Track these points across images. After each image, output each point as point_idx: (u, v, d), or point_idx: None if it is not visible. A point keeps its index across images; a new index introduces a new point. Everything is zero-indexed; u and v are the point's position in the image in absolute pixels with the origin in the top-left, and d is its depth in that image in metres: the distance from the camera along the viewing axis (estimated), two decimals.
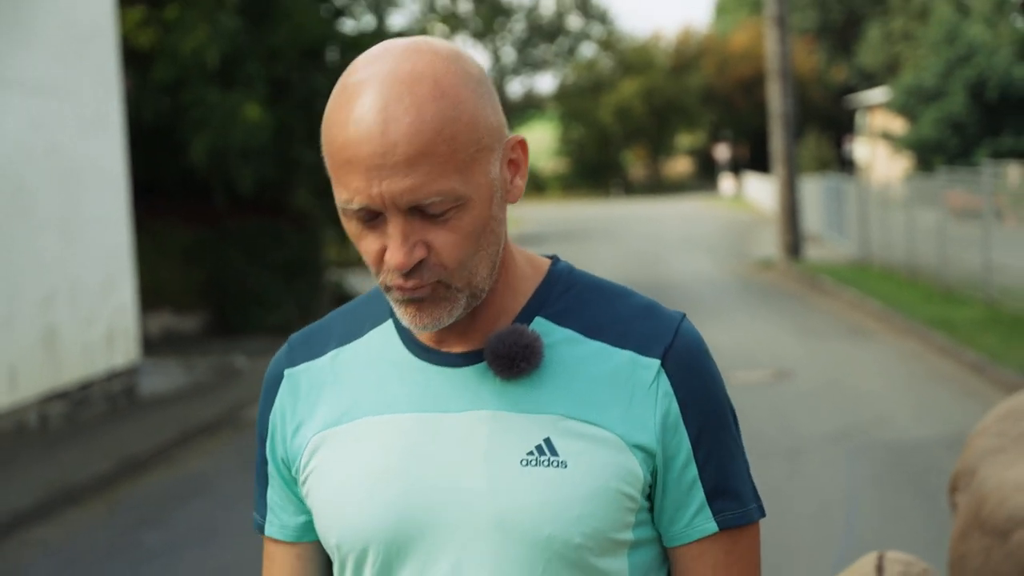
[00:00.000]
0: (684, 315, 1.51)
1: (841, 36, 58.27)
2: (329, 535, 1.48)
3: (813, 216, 26.87)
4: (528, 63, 57.83)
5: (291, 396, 1.54)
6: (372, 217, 1.36)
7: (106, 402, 9.95)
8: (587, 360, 1.46)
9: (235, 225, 14.79)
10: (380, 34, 16.37)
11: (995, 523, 2.57)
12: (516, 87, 58.23)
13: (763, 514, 1.51)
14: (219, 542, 6.24)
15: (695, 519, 1.46)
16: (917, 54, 39.71)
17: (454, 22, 50.71)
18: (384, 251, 1.37)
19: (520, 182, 1.44)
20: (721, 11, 69.19)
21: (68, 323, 9.40)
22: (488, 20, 54.25)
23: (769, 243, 24.22)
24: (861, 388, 9.49)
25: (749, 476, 1.51)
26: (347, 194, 1.35)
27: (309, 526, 1.56)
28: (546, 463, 1.42)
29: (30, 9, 8.99)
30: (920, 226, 17.00)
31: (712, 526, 1.46)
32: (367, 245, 1.39)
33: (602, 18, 58.66)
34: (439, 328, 1.42)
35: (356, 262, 22.13)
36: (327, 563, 1.58)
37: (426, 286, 1.37)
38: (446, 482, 1.43)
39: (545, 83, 59.25)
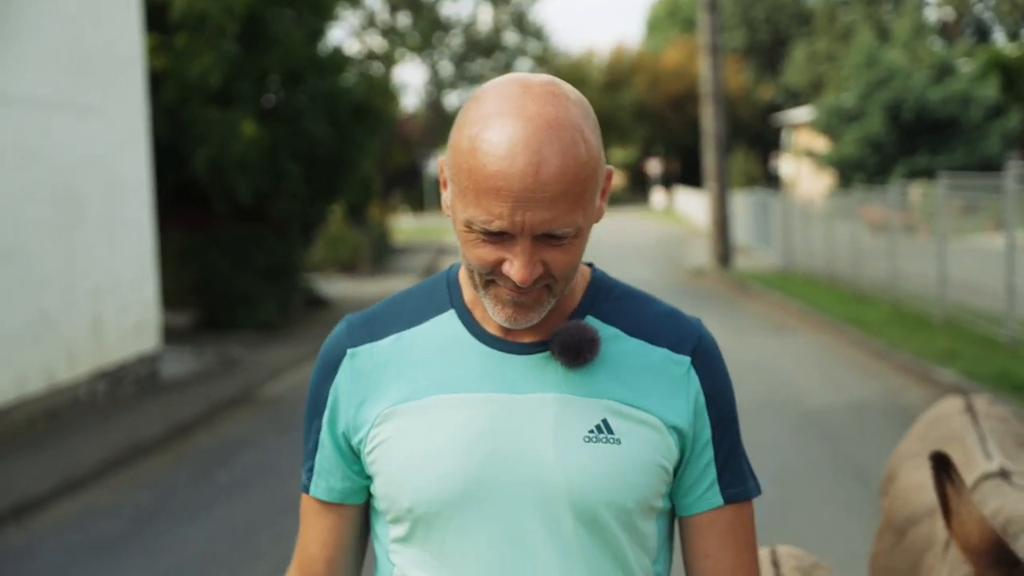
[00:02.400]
0: (700, 320, 1.78)
1: (768, 56, 60.26)
2: (401, 498, 1.68)
3: (742, 228, 28.71)
4: (465, 77, 58.55)
5: (353, 373, 1.73)
6: (498, 236, 1.56)
7: (136, 383, 11.45)
8: (630, 355, 1.69)
9: (222, 231, 16.25)
10: (343, 57, 17.89)
11: (898, 522, 3.00)
12: (453, 100, 59.12)
13: (759, 491, 1.77)
14: (278, 479, 7.83)
15: (707, 493, 1.72)
16: (840, 74, 41.43)
17: (393, 36, 51.58)
18: (499, 262, 1.58)
19: (604, 205, 1.66)
20: (652, 28, 70.92)
21: (110, 312, 10.92)
22: (426, 35, 54.86)
23: (701, 253, 25.97)
24: (784, 370, 11.30)
25: (747, 460, 1.78)
26: (486, 216, 1.54)
27: (352, 491, 1.77)
28: (605, 440, 1.64)
29: (85, 43, 10.51)
30: (837, 238, 18.95)
31: (719, 500, 1.72)
32: (483, 254, 1.58)
33: (537, 35, 59.38)
34: (529, 326, 1.66)
35: (319, 267, 23.66)
36: (363, 525, 1.82)
37: (535, 291, 1.60)
38: (519, 453, 1.63)
39: None
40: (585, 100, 1.61)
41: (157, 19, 13.90)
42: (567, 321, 1.68)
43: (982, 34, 51.83)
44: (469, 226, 1.56)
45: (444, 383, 1.67)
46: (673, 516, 1.76)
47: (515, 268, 1.55)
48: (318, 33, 17.76)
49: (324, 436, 1.75)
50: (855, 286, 17.26)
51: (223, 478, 8.06)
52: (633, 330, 1.71)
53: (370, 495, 1.78)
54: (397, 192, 49.38)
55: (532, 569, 1.64)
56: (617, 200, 63.08)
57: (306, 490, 1.79)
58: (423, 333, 1.72)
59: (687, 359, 1.70)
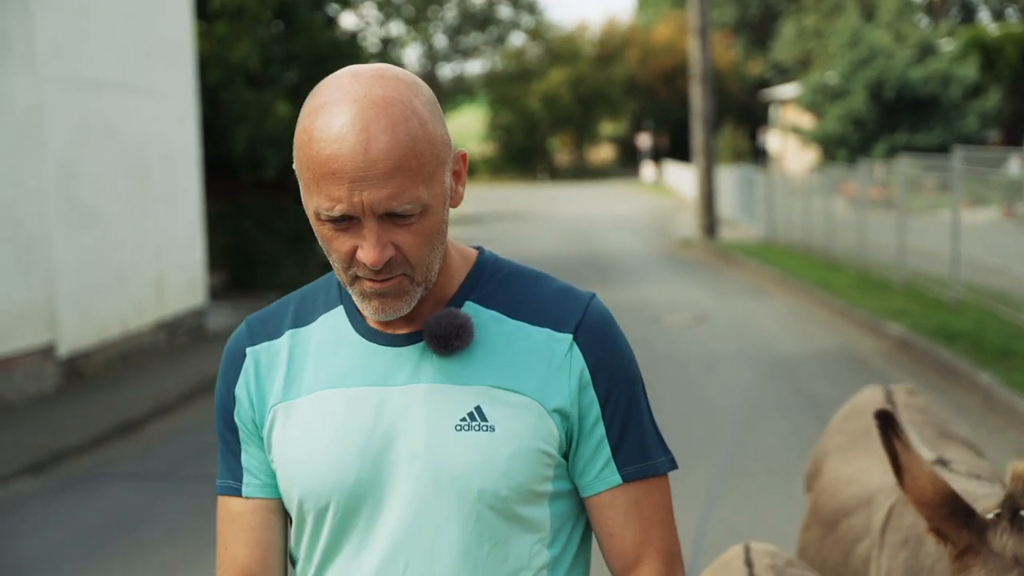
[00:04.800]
0: (594, 295, 1.77)
1: (758, 32, 61.40)
2: (293, 493, 1.73)
3: (727, 202, 30.11)
4: (459, 50, 59.36)
5: (254, 371, 1.78)
6: (346, 222, 1.59)
7: (188, 333, 12.99)
8: (510, 337, 1.71)
9: (249, 200, 17.76)
10: (359, 42, 19.42)
11: (827, 514, 3.02)
12: (447, 72, 59.98)
13: (672, 466, 1.75)
14: None
15: (602, 472, 1.72)
16: (827, 51, 42.68)
17: (388, 9, 52.45)
18: (354, 251, 1.60)
19: (461, 190, 1.70)
20: (643, 3, 72.08)
21: (169, 271, 12.46)
22: (421, 7, 55.49)
23: (688, 225, 27.43)
24: (758, 326, 12.88)
25: (657, 433, 1.76)
26: (328, 203, 1.56)
27: (277, 485, 1.79)
28: (477, 428, 1.66)
29: (148, 31, 11.99)
30: (814, 211, 20.53)
31: (617, 479, 1.72)
32: (338, 246, 1.61)
33: (531, 8, 60.04)
34: (397, 317, 1.67)
35: None
36: (287, 522, 1.82)
37: (393, 279, 1.62)
38: (392, 445, 1.68)
39: (475, 69, 59.71)
40: (421, 83, 1.65)
41: (199, 7, 15.35)
42: (445, 308, 1.71)
43: (968, 12, 53.14)
44: (318, 217, 1.60)
45: (328, 379, 1.72)
46: (576, 497, 1.77)
47: (365, 251, 1.59)
48: (333, 19, 19.25)
49: (244, 436, 1.79)
50: (828, 255, 18.87)
51: None
52: (515, 312, 1.73)
53: None
54: None
55: (411, 557, 1.67)
56: (608, 173, 64.53)
57: (238, 493, 1.80)
58: (314, 330, 1.77)
59: (568, 336, 1.70)
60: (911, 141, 32.05)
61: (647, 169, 56.67)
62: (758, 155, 51.21)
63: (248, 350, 1.79)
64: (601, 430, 1.71)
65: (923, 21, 45.03)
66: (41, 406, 9.24)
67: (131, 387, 10.04)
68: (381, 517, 1.68)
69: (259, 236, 17.67)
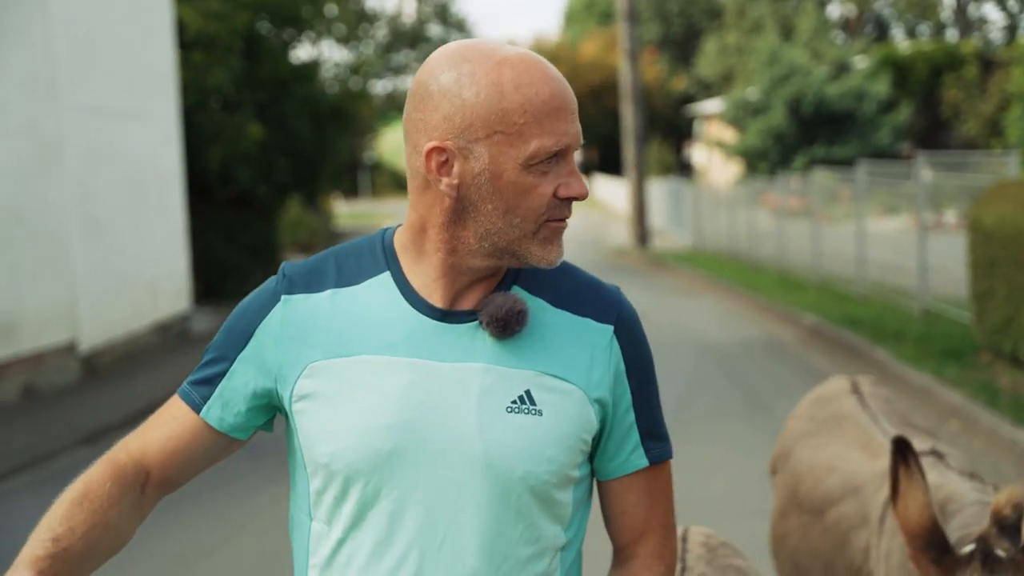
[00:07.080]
0: (620, 288, 1.85)
1: (681, 48, 62.97)
2: (320, 454, 1.71)
3: (658, 213, 31.64)
4: (390, 68, 60.42)
5: (284, 319, 1.75)
6: (552, 160, 1.66)
7: (176, 336, 14.28)
8: (556, 326, 1.75)
9: (217, 215, 19.04)
10: (316, 66, 20.85)
11: (811, 502, 3.13)
12: (379, 89, 60.77)
13: (672, 454, 1.85)
14: None
15: (631, 456, 1.80)
16: (748, 68, 44.30)
17: (320, 27, 53.08)
18: (554, 192, 1.67)
19: None
20: (570, 20, 73.61)
21: (161, 278, 13.76)
22: (352, 25, 56.15)
23: (621, 235, 28.95)
24: (691, 321, 14.47)
25: (664, 422, 1.85)
26: (553, 139, 1.63)
27: (240, 428, 1.81)
28: (527, 411, 1.69)
29: (141, 62, 13.31)
30: (738, 221, 22.25)
31: (643, 461, 1.80)
32: (543, 189, 1.66)
33: (460, 26, 60.71)
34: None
35: (292, 246, 26.43)
36: (221, 456, 1.86)
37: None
38: (441, 421, 1.68)
39: (407, 86, 60.26)
40: None
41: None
42: (495, 292, 1.74)
43: (882, 30, 55.29)
44: (530, 164, 1.64)
45: (372, 345, 1.71)
46: (590, 481, 1.83)
47: (574, 184, 1.67)
48: (289, 44, 20.62)
49: (237, 368, 1.78)
50: (751, 260, 20.60)
51: None
52: (559, 301, 1.77)
53: (293, 443, 1.79)
54: (342, 180, 51.51)
55: (443, 534, 1.69)
56: None
57: (196, 408, 1.79)
58: (359, 293, 1.75)
59: (610, 328, 1.76)
60: (828, 154, 33.45)
61: None
62: (683, 168, 52.52)
63: (283, 297, 1.77)
64: (631, 416, 1.79)
65: (839, 38, 46.85)
66: (72, 394, 10.56)
67: (144, 379, 11.36)
68: (418, 490, 1.69)
69: (226, 248, 18.95)
